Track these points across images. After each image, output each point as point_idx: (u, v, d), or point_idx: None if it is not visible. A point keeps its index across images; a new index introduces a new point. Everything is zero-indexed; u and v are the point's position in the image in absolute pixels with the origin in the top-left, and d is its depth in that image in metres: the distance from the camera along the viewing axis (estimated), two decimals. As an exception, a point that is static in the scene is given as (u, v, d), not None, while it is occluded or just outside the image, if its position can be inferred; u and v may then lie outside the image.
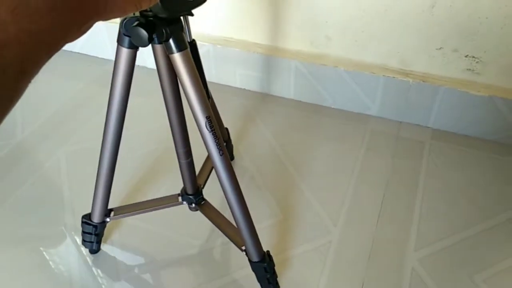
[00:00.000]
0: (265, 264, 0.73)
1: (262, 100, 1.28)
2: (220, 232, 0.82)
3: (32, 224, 0.97)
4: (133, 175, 1.06)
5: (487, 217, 0.95)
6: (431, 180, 1.03)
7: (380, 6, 1.01)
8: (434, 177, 1.04)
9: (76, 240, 0.93)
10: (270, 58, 1.21)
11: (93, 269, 0.88)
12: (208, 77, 1.33)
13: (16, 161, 1.12)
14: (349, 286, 0.84)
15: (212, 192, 0.88)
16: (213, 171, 0.90)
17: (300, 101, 1.26)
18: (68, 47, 1.49)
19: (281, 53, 1.19)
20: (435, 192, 1.01)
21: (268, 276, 0.74)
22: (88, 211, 0.82)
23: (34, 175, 1.08)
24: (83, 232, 0.85)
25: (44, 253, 0.92)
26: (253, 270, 0.75)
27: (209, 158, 0.93)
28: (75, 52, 1.47)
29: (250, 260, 0.73)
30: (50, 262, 0.90)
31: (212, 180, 0.90)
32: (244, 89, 1.31)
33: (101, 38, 1.38)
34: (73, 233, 0.95)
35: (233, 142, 1.08)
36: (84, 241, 0.87)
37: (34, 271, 0.88)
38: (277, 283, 0.77)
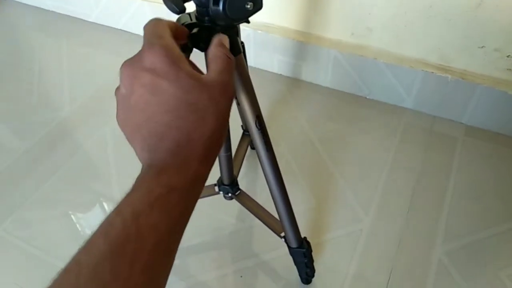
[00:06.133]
0: (304, 249, 0.78)
1: (298, 86, 1.31)
2: (248, 215, 0.86)
3: (77, 195, 1.05)
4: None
5: (515, 215, 0.98)
6: (462, 176, 1.06)
7: (426, 2, 1.02)
8: (465, 172, 1.07)
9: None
10: (309, 46, 1.23)
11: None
12: (247, 62, 1.36)
13: (65, 134, 1.19)
14: (378, 273, 0.89)
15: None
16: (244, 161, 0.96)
17: (336, 89, 1.29)
18: (112, 23, 1.53)
19: (320, 42, 1.22)
20: (465, 187, 1.04)
21: (306, 260, 0.79)
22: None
23: (81, 149, 1.14)
24: None
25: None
26: (292, 255, 0.80)
27: (240, 149, 0.99)
28: (119, 29, 1.52)
29: (289, 246, 0.79)
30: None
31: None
32: (281, 74, 1.34)
33: (145, 16, 1.42)
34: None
35: (269, 127, 1.12)
36: None
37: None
38: (313, 267, 0.83)
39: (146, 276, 0.26)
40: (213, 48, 0.38)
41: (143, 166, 0.32)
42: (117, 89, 0.34)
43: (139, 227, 0.27)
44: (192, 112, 0.32)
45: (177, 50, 0.34)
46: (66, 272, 0.26)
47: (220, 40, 0.40)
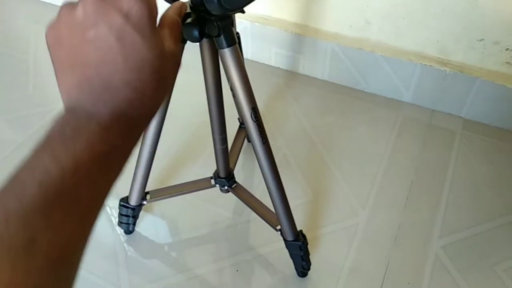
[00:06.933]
0: (300, 242, 0.77)
1: (296, 79, 1.30)
2: (244, 209, 0.86)
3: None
4: (166, 153, 1.11)
5: (513, 209, 0.98)
6: (460, 170, 1.06)
7: (424, -6, 1.01)
8: (463, 167, 1.06)
9: (111, 217, 0.99)
10: (307, 39, 1.22)
11: (125, 244, 0.95)
12: (243, 54, 1.35)
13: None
14: (374, 267, 0.89)
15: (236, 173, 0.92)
16: (241, 154, 0.95)
17: (334, 83, 1.28)
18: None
19: (318, 34, 1.21)
20: (463, 182, 1.03)
21: (302, 253, 0.79)
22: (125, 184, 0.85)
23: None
24: (120, 215, 0.89)
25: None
26: (287, 248, 0.80)
27: (236, 142, 0.98)
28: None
29: (284, 239, 0.78)
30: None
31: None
32: (278, 67, 1.33)
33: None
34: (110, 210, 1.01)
35: (266, 120, 1.11)
36: (120, 223, 0.91)
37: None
38: (309, 260, 0.83)
39: (78, 226, 0.27)
40: (171, 13, 0.36)
41: (68, 105, 0.30)
42: (69, 5, 0.30)
43: (78, 181, 0.27)
44: (155, 79, 0.30)
45: (157, 13, 0.32)
46: None
47: (179, 8, 0.38)
